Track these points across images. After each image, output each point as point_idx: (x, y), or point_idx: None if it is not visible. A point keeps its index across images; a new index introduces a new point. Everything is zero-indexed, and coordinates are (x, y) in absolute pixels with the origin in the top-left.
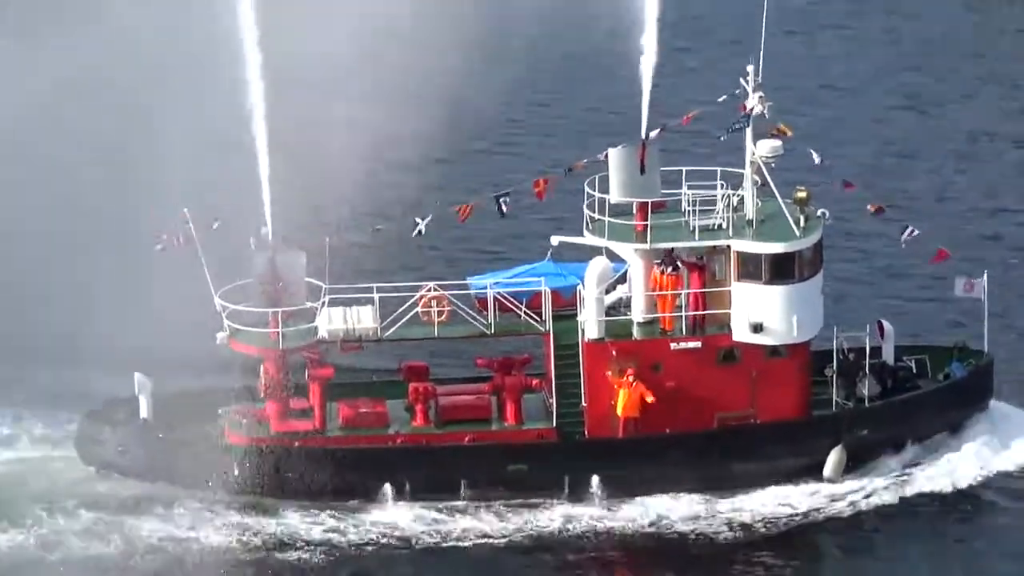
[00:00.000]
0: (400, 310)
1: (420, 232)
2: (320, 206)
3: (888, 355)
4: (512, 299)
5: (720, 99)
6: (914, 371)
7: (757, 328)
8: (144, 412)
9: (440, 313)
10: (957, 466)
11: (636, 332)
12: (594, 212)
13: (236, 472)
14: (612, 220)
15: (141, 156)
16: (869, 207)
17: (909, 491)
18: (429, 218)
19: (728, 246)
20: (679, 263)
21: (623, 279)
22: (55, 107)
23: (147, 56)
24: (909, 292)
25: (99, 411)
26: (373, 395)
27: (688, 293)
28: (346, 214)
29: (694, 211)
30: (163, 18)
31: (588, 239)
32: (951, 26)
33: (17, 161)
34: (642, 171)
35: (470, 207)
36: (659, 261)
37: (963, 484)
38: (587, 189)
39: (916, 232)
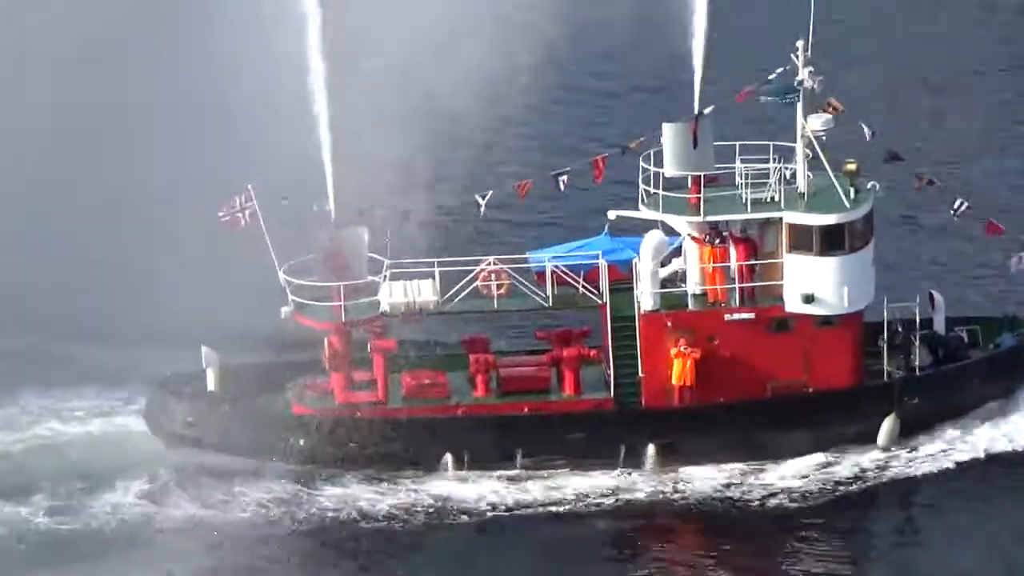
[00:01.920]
0: (460, 284)
1: (481, 210)
2: (382, 182)
3: (939, 326)
4: (570, 272)
5: (771, 76)
6: (966, 341)
7: (808, 299)
8: (211, 385)
9: (500, 287)
10: (1008, 435)
11: (691, 304)
12: (649, 187)
13: (301, 443)
14: (666, 194)
15: (205, 132)
16: (916, 183)
17: (961, 459)
18: (489, 195)
19: (780, 218)
20: (724, 236)
21: (678, 252)
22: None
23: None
24: (961, 263)
25: (167, 384)
26: (435, 367)
27: (738, 266)
28: (408, 191)
29: (747, 184)
30: None
31: (644, 213)
32: None
33: (80, 136)
34: (695, 145)
35: (529, 184)
36: (705, 235)
37: (1013, 453)
38: (643, 164)
39: (967, 206)
